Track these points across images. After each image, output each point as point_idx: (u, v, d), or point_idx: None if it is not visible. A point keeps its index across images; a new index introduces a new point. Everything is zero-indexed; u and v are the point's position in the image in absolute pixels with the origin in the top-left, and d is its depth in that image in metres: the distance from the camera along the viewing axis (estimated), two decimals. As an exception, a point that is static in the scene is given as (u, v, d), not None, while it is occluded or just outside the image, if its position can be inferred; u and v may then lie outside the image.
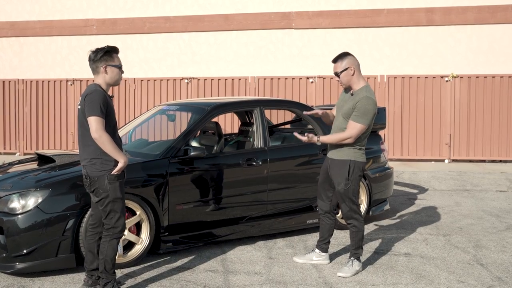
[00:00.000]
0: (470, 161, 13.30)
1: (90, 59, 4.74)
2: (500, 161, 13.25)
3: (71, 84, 14.60)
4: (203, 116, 6.34)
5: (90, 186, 4.68)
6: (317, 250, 5.83)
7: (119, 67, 4.78)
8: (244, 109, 7.24)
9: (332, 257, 5.93)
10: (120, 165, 4.59)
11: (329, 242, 5.85)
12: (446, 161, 13.25)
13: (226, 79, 14.06)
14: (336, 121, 5.57)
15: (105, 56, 4.70)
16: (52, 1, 16.27)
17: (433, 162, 13.29)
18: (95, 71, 4.74)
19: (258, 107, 6.73)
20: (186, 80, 14.11)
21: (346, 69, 5.38)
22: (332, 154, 5.54)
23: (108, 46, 4.73)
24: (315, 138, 5.41)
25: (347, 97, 5.51)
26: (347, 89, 5.52)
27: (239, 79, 14.01)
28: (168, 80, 14.28)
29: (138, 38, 15.90)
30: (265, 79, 13.92)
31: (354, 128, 5.30)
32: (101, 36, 16.02)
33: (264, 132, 6.64)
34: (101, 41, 15.98)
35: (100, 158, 4.60)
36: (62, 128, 14.66)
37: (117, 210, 4.67)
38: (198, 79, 14.13)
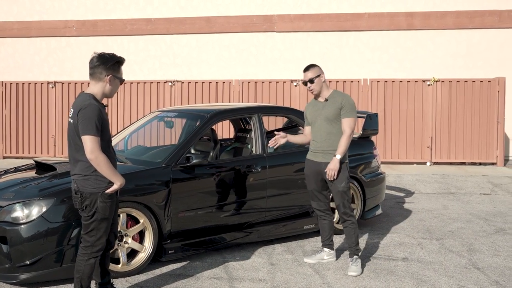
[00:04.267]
0: (451, 163, 13.56)
1: (93, 63, 4.40)
2: (480, 163, 13.53)
3: (52, 87, 14.43)
4: (203, 123, 6.36)
5: (81, 202, 4.40)
6: (326, 249, 6.11)
7: (122, 81, 4.55)
8: (243, 116, 7.28)
9: (335, 263, 6.04)
10: (115, 186, 4.37)
11: (332, 239, 6.14)
12: (428, 163, 13.48)
13: (210, 82, 14.06)
14: (317, 127, 5.88)
15: (114, 65, 4.43)
16: (31, 2, 16.06)
17: (415, 164, 13.51)
18: (97, 78, 4.41)
19: (256, 114, 6.79)
20: (170, 83, 14.06)
21: (318, 76, 5.84)
22: (324, 158, 5.82)
23: (119, 56, 4.48)
24: (336, 159, 5.70)
25: (321, 105, 5.90)
26: (316, 97, 5.97)
27: (223, 82, 14.02)
28: (151, 83, 14.21)
29: (119, 40, 15.80)
30: (249, 82, 13.96)
31: (349, 123, 5.75)
32: (81, 37, 15.89)
33: (263, 138, 6.70)
34: (81, 42, 15.88)
35: (94, 174, 4.35)
36: (43, 131, 14.48)
37: (101, 230, 4.44)
38: (182, 82, 14.09)
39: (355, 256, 5.80)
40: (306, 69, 5.91)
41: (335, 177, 5.71)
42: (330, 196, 6.19)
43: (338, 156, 5.68)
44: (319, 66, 5.95)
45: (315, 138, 5.90)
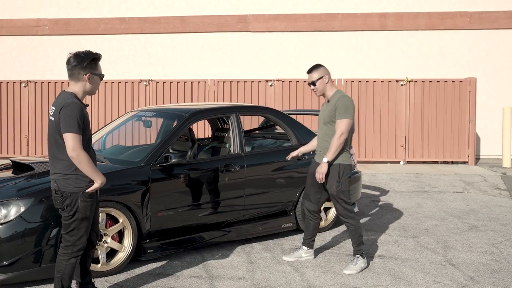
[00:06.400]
0: (424, 162, 13.76)
1: (70, 64, 4.37)
2: (452, 162, 13.77)
3: (25, 86, 14.24)
4: (182, 122, 6.36)
5: (61, 202, 4.37)
6: (304, 247, 6.15)
7: (102, 76, 4.51)
8: (221, 116, 7.31)
9: (313, 261, 6.11)
10: (96, 185, 4.35)
11: (314, 239, 6.19)
12: (401, 162, 13.67)
13: (185, 82, 14.03)
14: (320, 131, 5.90)
15: (90, 63, 4.38)
16: (1, 0, 15.83)
17: (389, 163, 13.68)
18: (76, 77, 4.37)
19: (234, 113, 6.82)
20: (144, 83, 14.00)
21: (321, 77, 5.79)
22: (319, 159, 5.84)
23: (95, 53, 4.44)
24: (323, 162, 5.68)
25: (325, 106, 5.90)
26: (324, 98, 5.92)
27: (198, 82, 14.01)
28: (126, 82, 14.13)
29: (92, 39, 15.68)
30: (224, 82, 13.97)
31: (340, 125, 5.64)
32: (53, 36, 15.74)
33: (241, 138, 6.73)
34: (54, 41, 15.72)
35: (75, 174, 4.32)
36: (16, 130, 14.28)
37: (81, 229, 4.42)
38: (157, 82, 14.03)
39: (356, 256, 5.82)
40: (310, 70, 5.84)
41: (323, 180, 5.72)
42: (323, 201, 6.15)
43: (325, 160, 5.67)
44: (323, 66, 5.86)
45: (317, 139, 5.97)
